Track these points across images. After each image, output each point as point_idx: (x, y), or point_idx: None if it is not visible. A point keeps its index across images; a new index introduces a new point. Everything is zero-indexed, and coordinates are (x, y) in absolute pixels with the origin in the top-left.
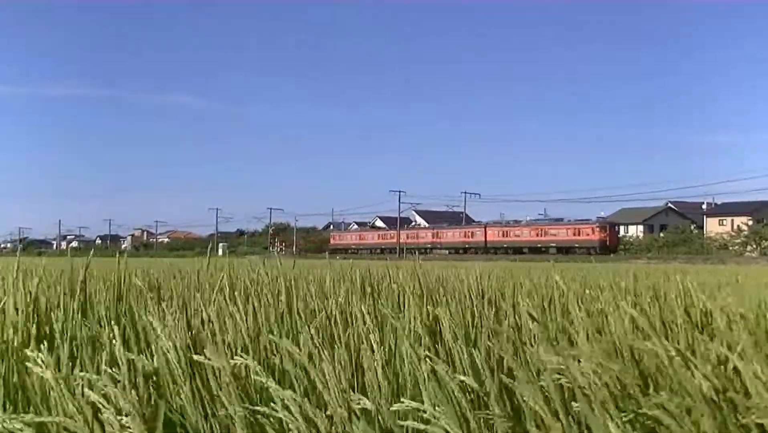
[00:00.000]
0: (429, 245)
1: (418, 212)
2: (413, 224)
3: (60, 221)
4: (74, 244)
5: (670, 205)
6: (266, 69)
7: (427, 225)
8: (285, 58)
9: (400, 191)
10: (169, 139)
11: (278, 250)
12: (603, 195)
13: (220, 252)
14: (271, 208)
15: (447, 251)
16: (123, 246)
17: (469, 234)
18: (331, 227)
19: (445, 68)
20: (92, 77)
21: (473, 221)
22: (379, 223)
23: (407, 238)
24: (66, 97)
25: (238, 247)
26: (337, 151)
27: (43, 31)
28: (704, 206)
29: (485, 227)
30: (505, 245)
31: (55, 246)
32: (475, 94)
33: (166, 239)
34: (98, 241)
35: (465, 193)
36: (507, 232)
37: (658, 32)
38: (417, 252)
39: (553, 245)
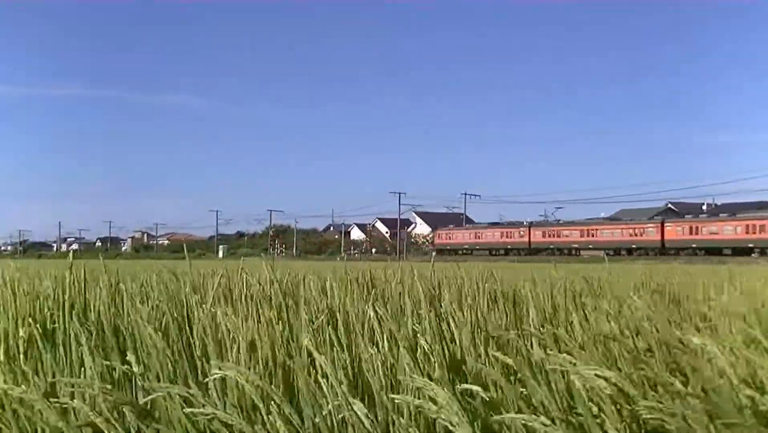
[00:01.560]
0: (575, 245)
1: (418, 213)
2: (413, 225)
3: (60, 223)
4: (74, 246)
5: (670, 205)
6: (266, 69)
7: (576, 219)
8: (285, 59)
9: (400, 192)
10: (169, 140)
11: (278, 252)
12: (603, 195)
13: (220, 254)
14: (271, 210)
15: (602, 252)
16: (123, 248)
17: (638, 231)
18: (331, 228)
19: (445, 68)
20: (92, 77)
21: (473, 222)
22: (380, 225)
23: (544, 236)
24: (66, 98)
25: (239, 249)
26: (337, 152)
27: (43, 31)
28: (704, 206)
29: (662, 223)
30: (693, 245)
31: (55, 248)
32: (475, 94)
33: (166, 241)
34: (98, 243)
35: (465, 194)
36: (696, 228)
37: (659, 32)
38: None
39: None
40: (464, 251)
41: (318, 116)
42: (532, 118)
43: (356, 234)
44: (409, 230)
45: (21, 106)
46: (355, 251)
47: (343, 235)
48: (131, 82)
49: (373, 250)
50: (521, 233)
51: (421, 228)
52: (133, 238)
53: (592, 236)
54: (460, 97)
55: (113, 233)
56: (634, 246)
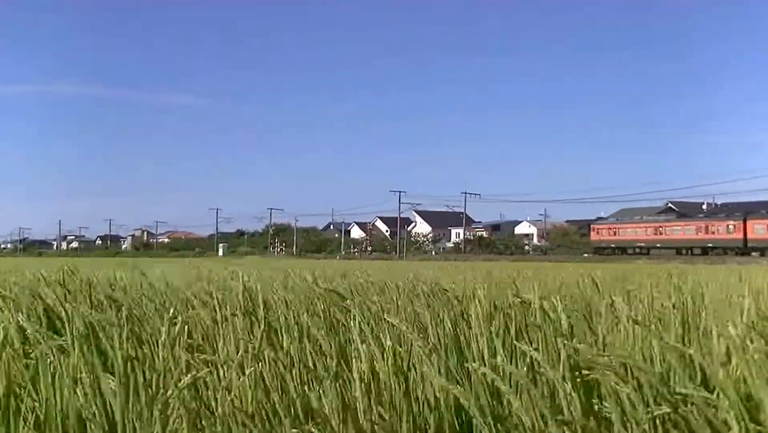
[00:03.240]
0: None
1: (419, 212)
2: (413, 224)
3: (60, 221)
4: (74, 244)
5: (670, 205)
6: (267, 68)
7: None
8: (285, 58)
9: (400, 191)
10: (170, 139)
11: (278, 250)
12: (603, 195)
13: (220, 252)
14: (271, 209)
15: None
16: (123, 246)
17: None
18: (331, 226)
19: (446, 68)
20: (94, 76)
21: (473, 222)
22: (380, 223)
23: (757, 232)
24: (67, 97)
25: (239, 247)
26: (337, 151)
27: (45, 30)
28: (704, 206)
29: None
30: None
31: (55, 246)
32: (475, 92)
33: (167, 239)
34: (98, 241)
35: (465, 193)
36: None
37: (659, 31)
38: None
39: None
40: (637, 250)
41: (318, 115)
42: (532, 116)
43: (356, 233)
44: (409, 228)
45: (22, 104)
46: (355, 250)
47: (343, 234)
48: (132, 81)
49: (370, 249)
50: (731, 227)
51: (421, 227)
52: (133, 236)
53: None
54: (460, 95)
55: (113, 231)
56: None
